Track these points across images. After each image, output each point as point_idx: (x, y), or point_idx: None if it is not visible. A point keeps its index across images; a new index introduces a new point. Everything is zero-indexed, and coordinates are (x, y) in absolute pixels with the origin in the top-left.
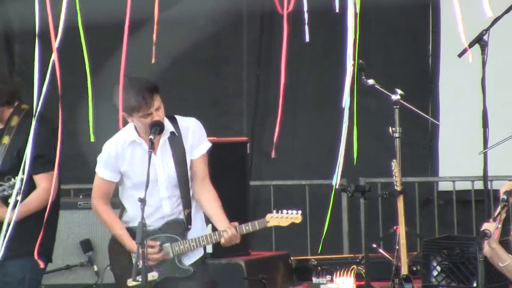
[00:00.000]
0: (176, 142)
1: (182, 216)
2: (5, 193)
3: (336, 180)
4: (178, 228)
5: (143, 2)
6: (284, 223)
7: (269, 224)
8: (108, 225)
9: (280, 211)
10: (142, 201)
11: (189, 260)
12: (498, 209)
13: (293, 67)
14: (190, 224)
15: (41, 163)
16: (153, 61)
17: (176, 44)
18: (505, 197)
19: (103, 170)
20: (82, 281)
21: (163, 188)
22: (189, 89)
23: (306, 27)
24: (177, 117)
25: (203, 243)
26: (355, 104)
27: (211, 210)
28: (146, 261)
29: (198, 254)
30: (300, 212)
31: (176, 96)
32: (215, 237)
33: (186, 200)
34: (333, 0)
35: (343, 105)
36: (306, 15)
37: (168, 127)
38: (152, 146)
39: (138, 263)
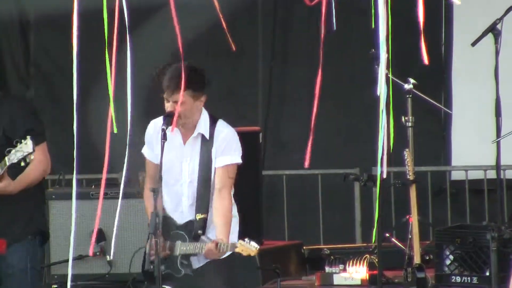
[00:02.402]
0: (207, 144)
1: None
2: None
3: (381, 170)
4: (192, 230)
5: None
6: (245, 252)
7: (236, 250)
8: (146, 212)
9: (248, 241)
10: (154, 191)
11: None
12: None
13: (309, 57)
14: (202, 230)
15: (33, 136)
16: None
17: (191, 35)
18: None
19: (146, 148)
20: (94, 271)
21: (186, 186)
22: None
23: (321, 18)
24: (220, 121)
25: (197, 250)
26: (391, 93)
27: (215, 221)
28: (157, 252)
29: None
30: (258, 247)
31: None
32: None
33: (201, 205)
34: None
35: (378, 93)
36: (333, 5)
37: (200, 128)
38: (165, 137)
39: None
